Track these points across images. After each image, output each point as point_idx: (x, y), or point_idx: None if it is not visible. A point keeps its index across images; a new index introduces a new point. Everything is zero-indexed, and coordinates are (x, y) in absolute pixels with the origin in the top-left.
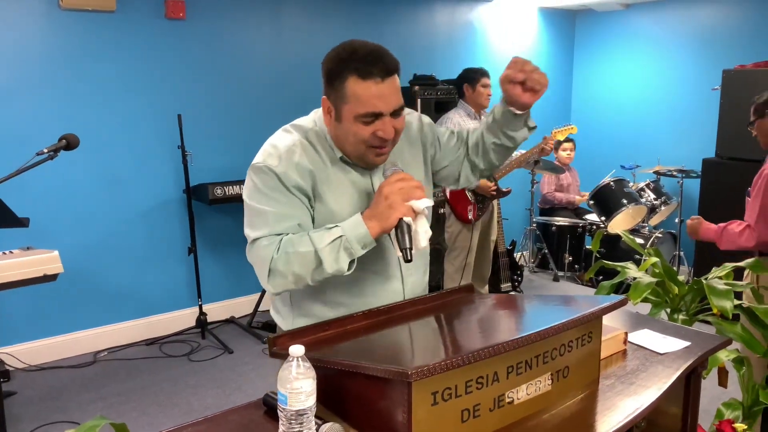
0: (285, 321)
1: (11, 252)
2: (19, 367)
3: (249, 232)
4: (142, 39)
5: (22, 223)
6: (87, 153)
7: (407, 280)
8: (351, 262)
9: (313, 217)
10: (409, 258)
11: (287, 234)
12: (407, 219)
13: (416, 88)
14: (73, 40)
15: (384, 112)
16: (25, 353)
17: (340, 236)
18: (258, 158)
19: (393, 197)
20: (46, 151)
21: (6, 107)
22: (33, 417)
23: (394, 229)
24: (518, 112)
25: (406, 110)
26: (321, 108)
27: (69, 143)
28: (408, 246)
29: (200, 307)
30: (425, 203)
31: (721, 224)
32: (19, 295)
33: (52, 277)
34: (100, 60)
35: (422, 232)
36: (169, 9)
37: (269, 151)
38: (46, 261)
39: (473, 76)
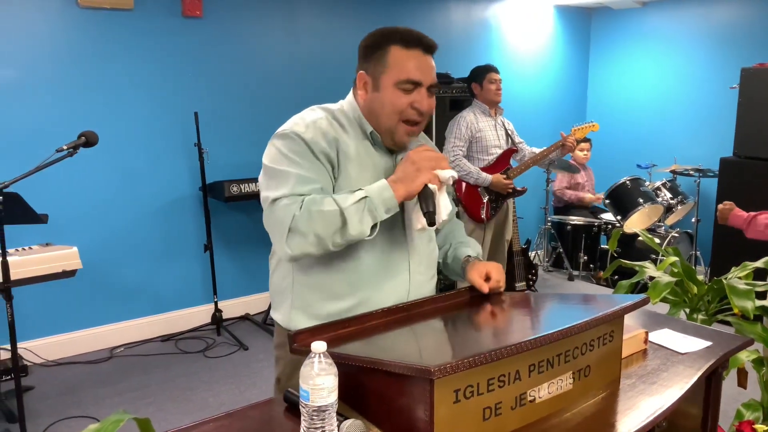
0: (283, 315)
1: (30, 248)
2: (37, 362)
3: (268, 194)
4: (160, 37)
5: (41, 219)
6: (105, 150)
7: (414, 278)
8: (373, 228)
9: (334, 187)
10: (432, 221)
11: (310, 195)
12: (432, 186)
13: None
14: (91, 38)
15: (423, 83)
16: (42, 348)
17: (365, 197)
18: (284, 127)
19: (421, 162)
20: (65, 148)
21: (25, 104)
22: (50, 411)
23: (417, 196)
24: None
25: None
26: (349, 94)
27: (88, 140)
28: (432, 209)
29: (215, 303)
30: (450, 173)
31: (752, 213)
32: (36, 290)
33: (71, 273)
34: (118, 58)
35: (443, 205)
36: (186, 7)
37: (296, 121)
38: (65, 257)
39: (479, 74)
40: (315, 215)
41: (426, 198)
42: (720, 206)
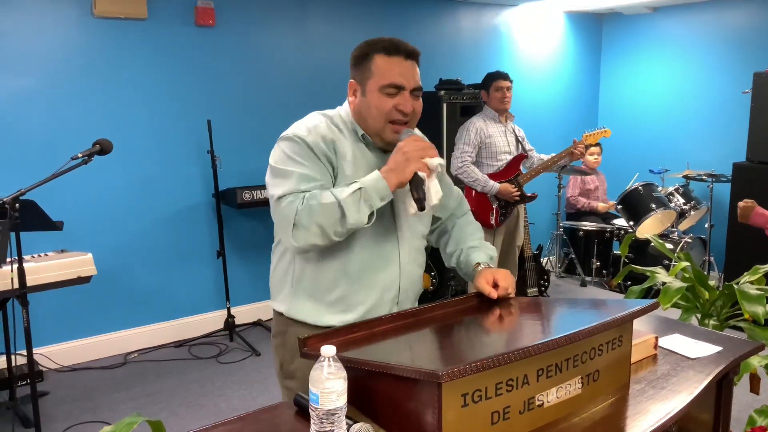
0: (283, 304)
1: (46, 254)
2: (52, 367)
3: (274, 191)
4: (173, 45)
5: (57, 226)
6: (119, 157)
7: (404, 267)
8: (370, 216)
9: (333, 185)
10: (422, 207)
11: (310, 191)
12: (422, 174)
13: (442, 92)
14: (105, 47)
15: (405, 86)
16: (57, 354)
17: (360, 188)
18: (288, 131)
19: (411, 152)
20: (80, 155)
21: (41, 112)
22: (65, 416)
23: (409, 183)
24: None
25: None
26: (345, 102)
27: (103, 148)
28: (422, 196)
29: (228, 309)
30: (438, 161)
31: None
32: (52, 296)
33: (86, 279)
34: (132, 66)
35: (434, 190)
36: (198, 16)
37: (299, 126)
38: (80, 263)
39: (487, 81)
40: (315, 209)
41: (416, 185)
42: (741, 204)
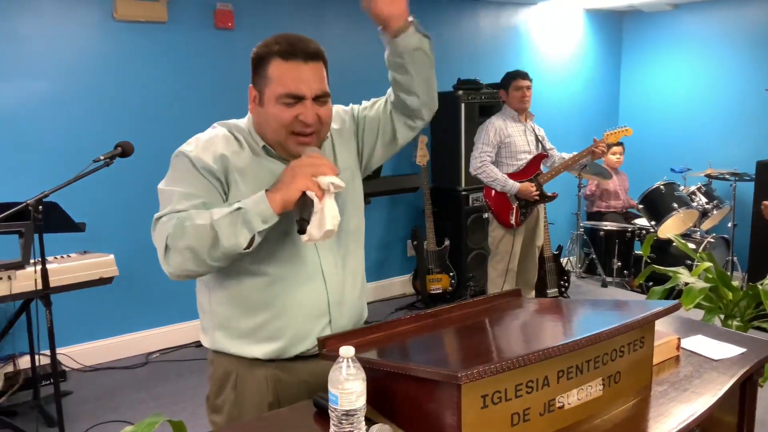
0: (206, 336)
1: (69, 256)
2: (75, 367)
3: (155, 215)
4: (192, 48)
5: (79, 228)
6: (140, 159)
7: (331, 281)
8: (252, 241)
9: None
10: (302, 229)
11: (188, 211)
12: (310, 193)
13: (460, 92)
14: (126, 50)
15: (305, 95)
16: (80, 354)
17: (240, 208)
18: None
19: (299, 169)
20: (102, 158)
21: (63, 115)
22: (88, 416)
23: (296, 204)
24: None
25: (342, 107)
26: None
27: (124, 150)
28: (305, 217)
29: None
30: (330, 179)
31: None
32: (74, 297)
33: (108, 280)
34: (153, 69)
35: (329, 213)
36: (218, 19)
37: (189, 141)
38: (102, 264)
39: (506, 80)
40: (188, 230)
41: (301, 205)
42: (766, 202)
